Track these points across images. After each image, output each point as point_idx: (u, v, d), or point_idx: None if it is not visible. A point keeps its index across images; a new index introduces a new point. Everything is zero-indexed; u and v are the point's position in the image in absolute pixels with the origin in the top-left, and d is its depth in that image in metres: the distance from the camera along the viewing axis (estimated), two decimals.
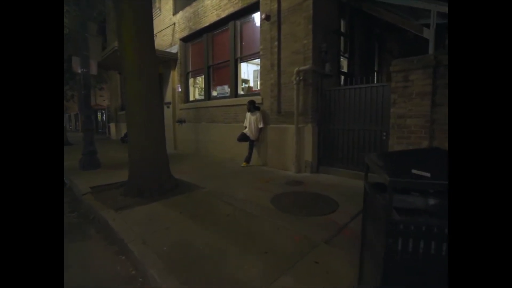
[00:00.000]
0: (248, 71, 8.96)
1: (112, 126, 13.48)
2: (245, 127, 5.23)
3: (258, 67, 5.77)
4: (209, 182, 3.89)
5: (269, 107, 4.97)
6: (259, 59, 5.34)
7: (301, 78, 4.30)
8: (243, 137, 5.12)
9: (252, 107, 5.02)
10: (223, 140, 6.20)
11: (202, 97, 7.27)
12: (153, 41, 3.52)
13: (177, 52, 7.72)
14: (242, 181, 3.95)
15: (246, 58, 5.91)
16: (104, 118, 20.00)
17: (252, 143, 5.14)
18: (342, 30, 5.28)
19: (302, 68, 4.25)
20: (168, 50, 7.94)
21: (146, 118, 3.33)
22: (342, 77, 5.23)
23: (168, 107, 8.17)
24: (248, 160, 5.16)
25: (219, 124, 6.35)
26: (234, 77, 5.98)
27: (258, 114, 5.01)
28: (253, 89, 5.86)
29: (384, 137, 3.63)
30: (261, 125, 5.00)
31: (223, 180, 4.04)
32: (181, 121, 7.72)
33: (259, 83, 5.57)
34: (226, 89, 6.31)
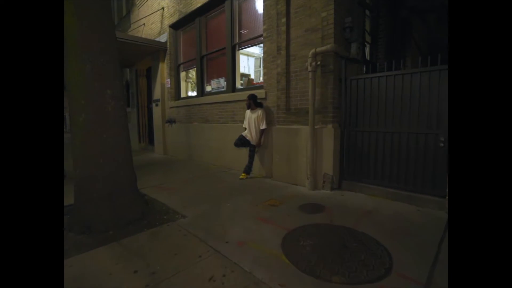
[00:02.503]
0: (249, 64, 7.90)
1: None
2: (245, 129, 4.15)
3: (256, 61, 4.70)
4: (194, 206, 2.82)
5: (275, 103, 3.89)
6: (261, 45, 4.26)
7: (318, 63, 3.21)
8: (242, 141, 4.05)
9: (253, 103, 3.94)
10: (219, 144, 5.12)
11: (196, 93, 6.20)
12: (108, 3, 2.45)
13: (166, 41, 6.65)
14: (239, 205, 2.87)
15: (246, 44, 4.82)
16: None
17: (253, 149, 4.06)
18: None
19: (320, 49, 3.16)
20: (157, 40, 6.87)
21: (94, 118, 2.26)
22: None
23: (156, 105, 7.11)
24: (248, 170, 4.08)
25: (214, 125, 5.27)
26: (231, 68, 4.90)
27: (260, 112, 3.93)
28: (255, 82, 4.78)
29: (442, 144, 2.53)
30: (263, 126, 3.92)
31: (213, 202, 2.96)
32: (171, 121, 6.66)
33: (261, 73, 4.49)
34: (222, 82, 5.24)
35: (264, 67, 4.13)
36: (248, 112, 4.07)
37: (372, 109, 3.08)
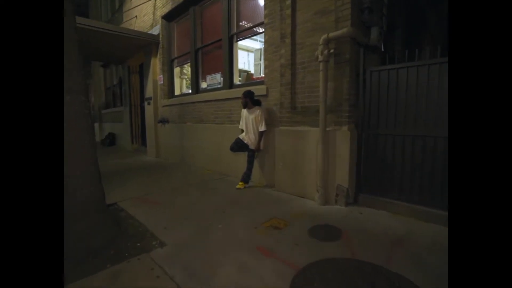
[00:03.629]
0: (249, 61, 7.32)
1: (97, 126, 11.92)
2: (242, 131, 3.60)
3: (256, 53, 4.13)
4: (177, 228, 2.26)
5: (278, 100, 3.32)
6: (262, 38, 3.69)
7: (331, 51, 2.64)
8: (239, 145, 3.48)
9: (250, 100, 3.38)
10: (214, 147, 4.57)
11: (191, 91, 5.64)
12: None
13: (158, 34, 6.10)
14: (233, 226, 2.31)
15: (245, 34, 4.26)
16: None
17: (252, 154, 3.49)
18: None
19: (334, 34, 2.59)
20: (149, 33, 6.31)
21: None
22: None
23: (148, 103, 6.56)
24: (246, 179, 3.51)
25: (209, 125, 4.71)
26: (228, 61, 4.34)
27: (258, 111, 3.37)
28: (254, 77, 4.22)
29: None
30: (262, 128, 3.36)
31: (202, 221, 2.40)
32: (163, 121, 6.10)
33: (262, 66, 3.93)
34: (218, 78, 4.67)
35: (265, 59, 3.57)
36: (244, 111, 3.51)
37: (398, 107, 2.50)
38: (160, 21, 6.01)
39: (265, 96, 3.55)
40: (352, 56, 2.63)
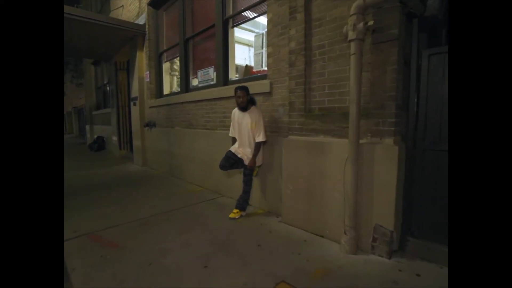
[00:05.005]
0: (250, 57, 6.44)
1: (88, 128, 11.14)
2: (232, 140, 2.73)
3: (256, 39, 3.26)
4: None
5: (286, 99, 2.44)
6: (263, 18, 2.82)
7: (368, 24, 1.74)
8: (231, 162, 2.59)
9: (245, 98, 2.50)
10: (204, 157, 3.70)
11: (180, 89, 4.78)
12: None
13: (144, 24, 5.26)
14: None
15: (242, 18, 3.38)
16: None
17: (249, 172, 2.60)
18: None
19: (371, 0, 1.69)
20: (134, 23, 5.48)
21: None
22: None
23: (134, 104, 5.72)
24: (243, 205, 2.63)
25: (199, 131, 3.84)
26: (222, 52, 3.47)
27: (256, 114, 2.50)
28: (255, 70, 3.34)
29: None
30: (261, 138, 2.48)
31: None
32: (150, 125, 5.25)
33: (264, 54, 3.05)
34: (211, 73, 3.81)
35: (268, 45, 2.68)
36: (236, 113, 2.62)
37: None
38: (146, 9, 5.17)
39: (268, 94, 2.67)
40: (402, 32, 1.72)
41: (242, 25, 4.59)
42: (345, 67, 1.97)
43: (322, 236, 2.15)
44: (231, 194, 3.20)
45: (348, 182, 1.87)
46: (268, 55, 2.67)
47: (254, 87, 2.69)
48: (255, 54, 3.26)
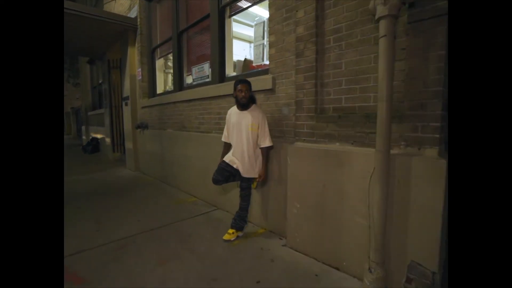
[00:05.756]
0: (251, 54, 6.00)
1: (84, 129, 10.78)
2: (224, 146, 2.31)
3: (256, 29, 2.82)
4: None
5: (292, 97, 2.01)
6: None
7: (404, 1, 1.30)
8: (226, 175, 2.15)
9: (247, 93, 2.07)
10: (198, 164, 3.28)
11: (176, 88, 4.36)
12: None
13: (136, 17, 4.85)
14: None
15: (240, 6, 2.95)
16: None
17: (246, 186, 2.17)
18: None
19: None
20: (125, 16, 5.08)
21: None
22: None
23: (126, 104, 5.32)
24: (239, 224, 2.19)
25: (192, 134, 3.43)
26: (218, 45, 3.05)
27: (257, 112, 2.07)
28: (254, 65, 2.90)
29: None
30: (267, 142, 2.06)
31: None
32: (142, 127, 4.84)
33: (265, 43, 2.62)
34: (206, 69, 3.39)
35: (270, 33, 2.25)
36: (233, 113, 2.20)
37: None
38: (138, 1, 4.77)
39: (270, 91, 2.24)
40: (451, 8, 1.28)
41: (242, 20, 4.21)
42: (368, 56, 1.54)
43: (338, 269, 1.72)
44: (228, 207, 2.78)
45: (374, 204, 1.44)
46: (270, 45, 2.24)
47: (253, 83, 2.26)
48: (255, 46, 2.82)
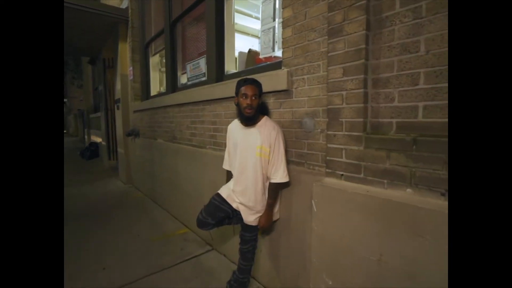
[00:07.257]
0: (258, 49, 5.25)
1: (86, 132, 10.39)
2: (228, 175, 1.59)
3: (263, 15, 2.08)
4: None
5: (320, 102, 1.26)
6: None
7: None
8: (217, 214, 1.43)
9: (256, 101, 1.34)
10: (189, 186, 2.58)
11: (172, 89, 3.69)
12: None
13: (127, 8, 4.23)
14: None
15: None
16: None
17: (250, 238, 1.44)
18: None
19: None
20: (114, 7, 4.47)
21: None
22: None
23: (117, 107, 4.71)
24: (242, 285, 1.48)
25: (183, 148, 2.73)
26: (215, 35, 2.34)
27: (269, 128, 1.34)
28: (262, 57, 2.15)
29: None
30: (279, 176, 1.33)
31: None
32: (133, 134, 4.21)
33: (276, 26, 1.87)
34: (202, 65, 2.69)
35: (284, 5, 1.51)
36: (234, 128, 1.50)
37: None
38: None
39: (285, 93, 1.50)
40: None
41: (247, 11, 3.51)
42: None
43: None
44: (226, 249, 2.06)
45: None
46: (285, 24, 1.50)
47: (252, 77, 1.53)
48: (263, 33, 2.08)
